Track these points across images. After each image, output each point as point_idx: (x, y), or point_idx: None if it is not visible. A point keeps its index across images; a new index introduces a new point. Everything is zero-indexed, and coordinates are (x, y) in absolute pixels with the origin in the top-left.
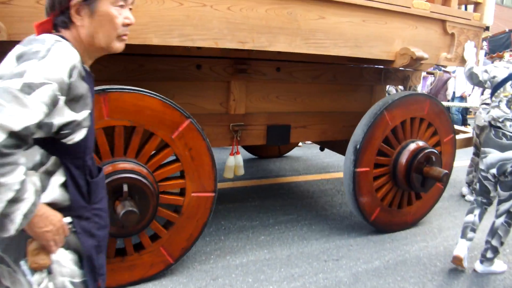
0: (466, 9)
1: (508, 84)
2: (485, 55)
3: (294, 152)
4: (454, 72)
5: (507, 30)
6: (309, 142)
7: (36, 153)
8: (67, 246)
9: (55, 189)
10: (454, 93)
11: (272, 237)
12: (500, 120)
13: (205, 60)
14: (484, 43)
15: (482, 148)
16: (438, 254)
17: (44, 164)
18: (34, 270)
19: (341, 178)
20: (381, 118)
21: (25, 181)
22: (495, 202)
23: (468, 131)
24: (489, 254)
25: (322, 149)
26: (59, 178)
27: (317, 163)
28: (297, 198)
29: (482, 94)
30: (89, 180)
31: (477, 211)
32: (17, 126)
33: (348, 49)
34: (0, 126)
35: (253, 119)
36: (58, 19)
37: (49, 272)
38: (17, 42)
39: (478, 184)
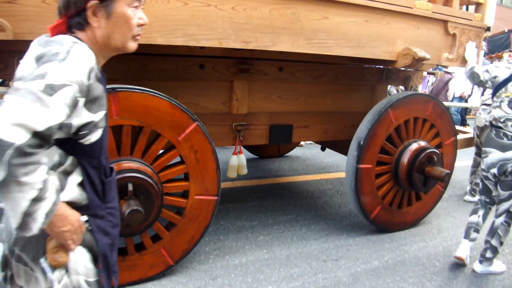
0: (467, 9)
1: (510, 85)
2: (484, 55)
3: (294, 152)
4: (453, 72)
5: (506, 30)
6: (310, 142)
7: (54, 153)
8: (83, 244)
9: (73, 189)
10: (453, 93)
11: (271, 237)
12: (502, 120)
13: (208, 59)
14: (483, 43)
15: (483, 148)
16: (437, 254)
17: (63, 164)
18: (54, 268)
19: (340, 178)
20: (386, 115)
21: (47, 180)
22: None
23: (469, 132)
24: (488, 254)
25: (323, 149)
26: (76, 177)
27: (316, 163)
28: (296, 198)
29: (482, 94)
30: (103, 179)
31: (481, 212)
32: (40, 127)
33: (350, 49)
34: (24, 126)
35: (255, 119)
36: (74, 20)
37: (66, 270)
38: (22, 41)
39: (480, 184)
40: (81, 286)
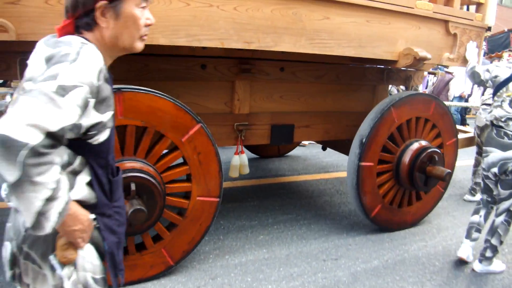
0: (468, 9)
1: (511, 84)
2: (484, 55)
3: (293, 152)
4: (453, 72)
5: (506, 30)
6: (311, 142)
7: (64, 153)
8: (91, 241)
9: (82, 188)
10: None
11: (271, 237)
12: (503, 119)
13: (209, 60)
14: (483, 42)
15: (484, 147)
16: (437, 254)
17: (72, 164)
18: (63, 264)
19: (340, 178)
20: (388, 114)
21: (60, 180)
22: None
23: (470, 131)
24: (488, 253)
25: (324, 149)
26: (84, 177)
27: (316, 163)
28: (296, 197)
29: (482, 94)
30: (111, 178)
31: (482, 212)
32: (53, 127)
33: (352, 49)
34: (37, 127)
35: (257, 119)
36: (82, 21)
37: (74, 266)
38: (24, 42)
39: (482, 183)
40: (88, 282)
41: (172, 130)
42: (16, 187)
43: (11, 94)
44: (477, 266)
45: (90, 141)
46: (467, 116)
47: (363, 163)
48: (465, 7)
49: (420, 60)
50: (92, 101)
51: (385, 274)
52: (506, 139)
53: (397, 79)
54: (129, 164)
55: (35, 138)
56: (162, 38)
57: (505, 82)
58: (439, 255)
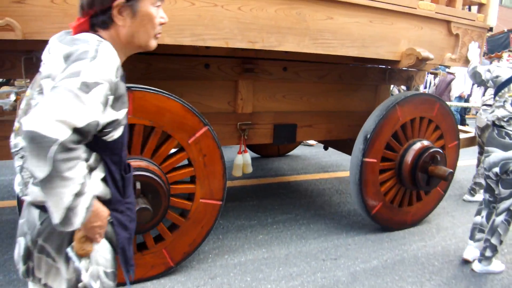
0: (470, 10)
1: None
2: (483, 55)
3: (293, 151)
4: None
5: (505, 30)
6: (313, 142)
7: None
8: (105, 236)
9: (97, 184)
10: None
11: (270, 236)
12: (505, 119)
13: (213, 59)
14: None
15: (485, 147)
16: (436, 254)
17: (88, 160)
18: (80, 257)
19: (340, 178)
20: (393, 112)
21: (87, 175)
22: None
23: (470, 131)
24: (487, 253)
25: (326, 148)
26: (99, 173)
27: (315, 163)
28: (296, 197)
29: (483, 95)
30: (123, 175)
31: (484, 212)
32: (80, 123)
33: (355, 49)
34: (65, 123)
35: (260, 118)
36: (98, 19)
37: (89, 259)
38: (29, 41)
39: (484, 182)
40: (100, 276)
41: (179, 131)
42: (46, 182)
43: (16, 93)
44: (477, 266)
45: (105, 138)
46: (466, 116)
47: (366, 159)
48: (466, 7)
49: (422, 60)
50: (111, 98)
51: (384, 274)
52: (507, 139)
53: (399, 79)
54: (135, 162)
55: (64, 134)
56: (167, 38)
57: (507, 82)
58: (438, 255)
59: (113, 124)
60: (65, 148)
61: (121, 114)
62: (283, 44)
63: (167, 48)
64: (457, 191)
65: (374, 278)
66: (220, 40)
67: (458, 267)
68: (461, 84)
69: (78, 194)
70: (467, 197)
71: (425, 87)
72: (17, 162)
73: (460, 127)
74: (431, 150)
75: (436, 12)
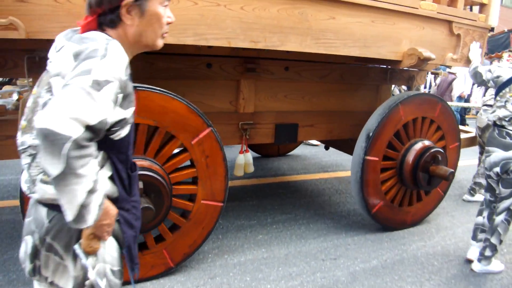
0: (471, 10)
1: None
2: (484, 55)
3: (293, 151)
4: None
5: (506, 30)
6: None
7: None
8: (112, 234)
9: (106, 182)
10: None
11: (270, 236)
12: (507, 119)
13: (215, 59)
14: None
15: (486, 147)
16: (436, 254)
17: (96, 159)
18: (87, 254)
19: (339, 178)
20: (396, 111)
21: (98, 172)
22: None
23: (471, 131)
24: (487, 252)
25: (327, 148)
26: (106, 171)
27: (315, 162)
28: (295, 197)
29: (484, 95)
30: (130, 173)
31: (485, 213)
32: (93, 120)
33: (357, 49)
34: (78, 120)
35: (261, 118)
36: (106, 17)
37: (96, 257)
38: (31, 40)
39: (485, 182)
40: (107, 274)
41: (183, 132)
42: (60, 180)
43: (18, 92)
44: (476, 266)
45: (112, 136)
46: (466, 116)
47: (368, 157)
48: (468, 7)
49: (424, 60)
50: (120, 96)
51: (384, 274)
52: (508, 139)
53: (400, 79)
54: (138, 162)
55: (77, 131)
56: (170, 37)
57: (508, 82)
58: (438, 255)
59: (120, 123)
60: (78, 145)
61: (128, 112)
62: (286, 44)
63: (169, 47)
64: (456, 191)
65: (374, 278)
66: (222, 40)
67: (458, 267)
68: (461, 83)
69: (91, 191)
70: (466, 197)
71: (425, 87)
72: (25, 160)
73: (460, 127)
74: (432, 150)
75: (437, 12)
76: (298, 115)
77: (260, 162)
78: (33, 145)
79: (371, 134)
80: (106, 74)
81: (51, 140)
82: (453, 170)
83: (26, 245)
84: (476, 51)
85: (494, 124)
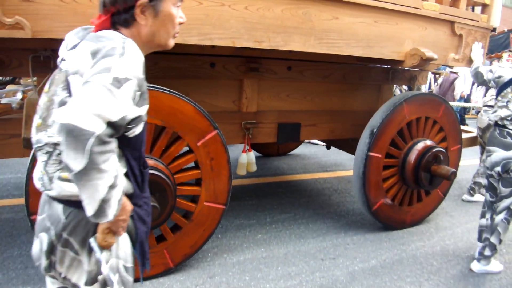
0: (473, 10)
1: None
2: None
3: (293, 150)
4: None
5: (506, 30)
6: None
7: None
8: (126, 230)
9: (123, 179)
10: None
11: (269, 236)
12: (509, 119)
13: (218, 58)
14: None
15: (487, 147)
16: (435, 254)
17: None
18: (102, 248)
19: (339, 177)
20: (400, 109)
21: (118, 167)
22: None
23: (472, 131)
24: (487, 252)
25: (328, 147)
26: (121, 169)
27: (315, 162)
28: (294, 196)
29: (484, 95)
30: (142, 170)
31: (488, 214)
32: (114, 117)
33: (360, 49)
34: (100, 116)
35: (264, 117)
36: (120, 17)
37: (110, 252)
38: (36, 39)
39: (486, 182)
40: (119, 270)
41: (189, 133)
42: (83, 175)
43: (22, 91)
44: (475, 266)
45: (127, 133)
46: (466, 116)
47: (371, 153)
48: (470, 8)
49: (426, 60)
50: (137, 94)
51: (383, 274)
52: (509, 139)
53: (402, 79)
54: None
55: (100, 127)
56: None
57: (509, 83)
58: (437, 255)
59: (135, 120)
60: (101, 141)
61: (143, 110)
62: (289, 44)
63: (173, 47)
64: (456, 191)
65: (373, 278)
66: (227, 40)
67: (457, 267)
68: (461, 83)
69: (112, 186)
70: (466, 197)
71: (425, 87)
72: (41, 157)
73: (462, 127)
74: (434, 150)
75: (440, 13)
76: (301, 114)
77: (260, 161)
78: (50, 142)
79: (375, 130)
80: (125, 72)
81: (75, 135)
82: (454, 170)
83: (41, 242)
84: (478, 51)
85: (495, 124)
